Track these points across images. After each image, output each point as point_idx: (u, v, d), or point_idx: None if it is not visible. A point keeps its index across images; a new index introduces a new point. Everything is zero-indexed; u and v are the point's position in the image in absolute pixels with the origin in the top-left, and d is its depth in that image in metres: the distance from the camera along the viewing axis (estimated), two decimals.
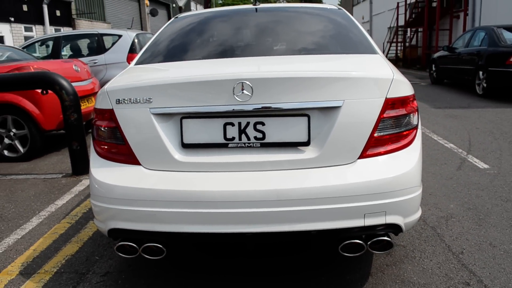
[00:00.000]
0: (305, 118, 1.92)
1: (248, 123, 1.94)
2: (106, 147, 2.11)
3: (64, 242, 2.85)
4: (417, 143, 2.05)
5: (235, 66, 2.22)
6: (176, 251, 2.63)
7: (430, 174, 3.87)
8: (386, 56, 14.34)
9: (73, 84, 5.49)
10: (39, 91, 4.45)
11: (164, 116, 2.00)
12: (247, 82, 1.88)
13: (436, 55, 10.27)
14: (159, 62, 2.54)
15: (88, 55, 7.89)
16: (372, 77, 1.95)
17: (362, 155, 1.93)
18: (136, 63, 2.58)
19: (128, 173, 2.04)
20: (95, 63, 7.51)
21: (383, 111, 1.93)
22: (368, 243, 1.93)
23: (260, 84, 1.90)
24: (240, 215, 1.88)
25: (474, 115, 6.41)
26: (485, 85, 7.85)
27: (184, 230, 1.94)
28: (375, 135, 1.93)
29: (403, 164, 1.93)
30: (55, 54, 7.93)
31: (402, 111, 1.99)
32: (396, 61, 16.63)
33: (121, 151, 2.07)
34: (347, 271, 2.34)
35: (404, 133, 2.00)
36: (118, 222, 2.01)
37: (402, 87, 2.01)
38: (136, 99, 2.01)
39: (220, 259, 2.53)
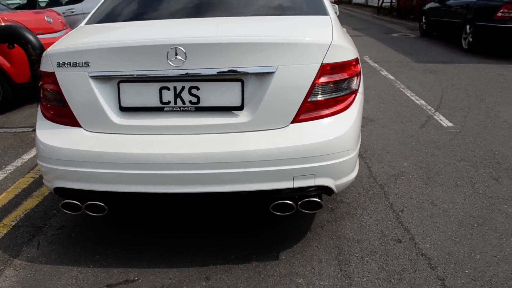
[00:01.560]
0: (239, 83, 1.94)
1: (183, 88, 1.97)
2: (50, 109, 2.15)
3: (25, 196, 2.95)
4: (354, 108, 2.08)
5: (171, 30, 2.18)
6: (123, 209, 2.74)
7: (392, 131, 3.93)
8: (381, 6, 13.95)
9: (46, 36, 5.41)
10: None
11: (102, 79, 2.02)
12: (181, 48, 1.90)
13: (427, 6, 9.97)
14: (107, 22, 2.51)
15: (66, 3, 7.66)
16: (308, 43, 1.94)
17: (295, 120, 1.97)
18: (86, 23, 2.56)
19: (70, 135, 2.09)
20: (72, 12, 7.31)
21: (318, 76, 1.95)
22: (298, 203, 2.02)
23: (193, 50, 1.91)
24: (173, 176, 1.95)
25: (453, 71, 6.36)
26: (471, 39, 7.71)
27: (121, 190, 2.02)
28: (309, 100, 1.96)
29: (335, 129, 1.98)
30: (31, 3, 7.69)
31: (339, 77, 2.00)
32: (390, 11, 16.16)
33: (63, 114, 2.11)
34: (285, 228, 2.46)
35: (340, 98, 2.03)
36: (62, 181, 2.09)
37: (342, 52, 2.01)
38: (75, 62, 2.02)
39: (159, 216, 2.64)
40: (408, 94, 5.15)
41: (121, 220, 2.62)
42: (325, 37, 2.00)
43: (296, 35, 2.00)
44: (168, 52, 1.91)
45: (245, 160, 1.91)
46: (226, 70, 1.92)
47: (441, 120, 4.22)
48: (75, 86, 2.04)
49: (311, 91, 1.95)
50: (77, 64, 2.02)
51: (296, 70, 1.93)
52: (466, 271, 2.09)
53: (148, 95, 2.00)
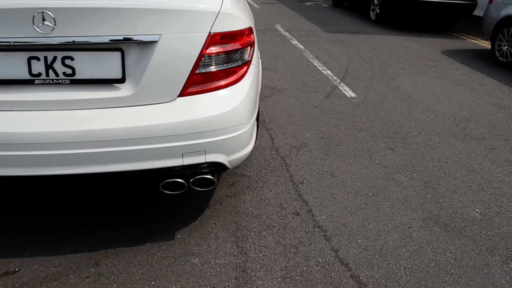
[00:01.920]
0: (119, 53, 1.73)
1: (55, 58, 1.71)
2: None
3: None
4: (247, 81, 1.99)
5: None
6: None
7: (298, 102, 3.96)
8: None
9: None
10: None
11: None
12: (48, 12, 1.63)
13: None
14: None
15: None
16: (193, 10, 1.77)
17: (182, 93, 1.83)
18: None
19: None
20: None
21: (205, 46, 1.80)
22: (190, 181, 1.92)
23: (63, 15, 1.64)
24: (45, 157, 1.72)
25: (360, 41, 6.58)
26: (378, 11, 8.02)
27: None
28: (196, 72, 1.82)
29: (226, 102, 1.87)
30: None
31: (229, 47, 1.88)
32: None
33: None
34: (183, 206, 2.35)
35: (231, 69, 1.92)
36: None
37: (232, 20, 1.88)
38: None
39: (40, 200, 2.39)
40: (315, 64, 5.22)
41: (3, 206, 2.33)
42: (213, 4, 1.85)
43: (182, 1, 1.82)
44: (34, 17, 1.63)
45: (127, 138, 1.73)
46: (102, 38, 1.70)
47: (345, 90, 4.33)
48: None
49: (199, 62, 1.81)
50: None
51: (181, 39, 1.76)
52: (359, 241, 2.17)
53: (15, 66, 1.71)
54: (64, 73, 1.74)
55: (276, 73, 4.80)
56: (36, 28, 1.65)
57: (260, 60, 2.57)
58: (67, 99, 1.75)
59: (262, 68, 4.99)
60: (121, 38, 1.71)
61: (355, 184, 2.65)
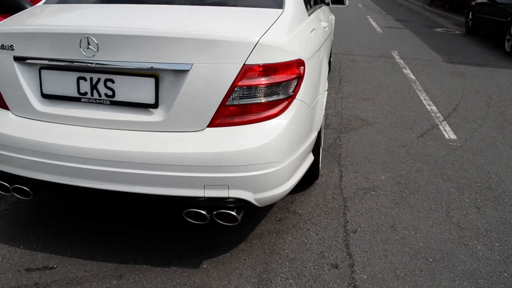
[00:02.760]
0: (152, 79, 1.79)
1: (99, 79, 1.85)
2: None
3: None
4: (286, 117, 1.87)
5: (87, 18, 2.03)
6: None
7: (385, 138, 3.62)
8: None
9: None
10: None
11: (25, 64, 1.95)
12: (92, 38, 1.77)
13: (475, 1, 9.17)
14: (64, 3, 2.41)
15: None
16: (227, 40, 1.74)
17: (212, 124, 1.80)
18: (45, 2, 2.48)
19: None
20: None
21: (238, 78, 1.75)
22: (214, 213, 1.87)
23: (105, 40, 1.77)
24: (82, 170, 1.85)
25: (484, 75, 5.81)
26: None
27: (38, 178, 1.95)
28: (227, 103, 1.78)
29: (255, 138, 1.78)
30: None
31: (267, 80, 1.79)
32: (443, 3, 15.10)
33: None
34: (222, 234, 2.31)
35: (267, 103, 1.82)
36: None
37: (273, 52, 1.80)
38: (2, 45, 1.96)
39: (98, 206, 2.56)
40: (421, 98, 4.75)
41: (70, 205, 2.58)
42: (253, 34, 1.78)
43: (218, 30, 1.79)
44: (81, 41, 1.79)
45: (151, 162, 1.76)
46: (137, 64, 1.77)
47: (445, 130, 3.84)
48: (2, 69, 1.98)
49: (230, 94, 1.76)
50: (4, 47, 1.96)
51: (213, 69, 1.74)
52: None
53: (66, 84, 1.90)
54: (106, 94, 1.86)
55: (373, 104, 4.50)
56: (82, 52, 1.79)
57: (322, 94, 2.41)
58: (106, 118, 1.86)
59: (359, 97, 4.73)
60: (154, 65, 1.76)
61: (416, 243, 2.30)
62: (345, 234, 2.35)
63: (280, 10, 2.13)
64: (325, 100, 2.47)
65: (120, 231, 2.33)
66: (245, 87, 1.77)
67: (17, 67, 1.95)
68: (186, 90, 1.76)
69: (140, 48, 1.75)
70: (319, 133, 2.47)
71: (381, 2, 18.95)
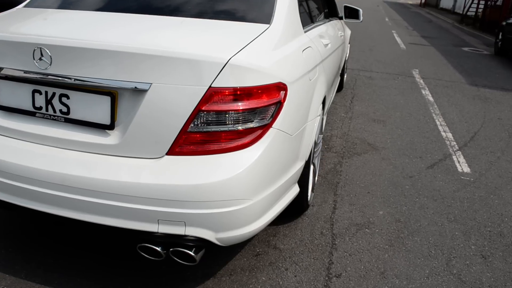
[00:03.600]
0: (108, 98, 1.59)
1: (54, 94, 1.67)
2: None
3: None
4: (258, 149, 1.64)
5: (43, 27, 1.83)
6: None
7: (390, 167, 3.34)
8: (465, 14, 12.56)
9: None
10: None
11: None
12: (45, 49, 1.59)
13: (506, 21, 8.71)
14: (40, 7, 2.24)
15: None
16: (191, 59, 1.52)
17: (172, 151, 1.59)
18: (24, 5, 2.33)
19: None
20: None
21: (203, 102, 1.54)
22: (170, 250, 1.65)
23: (58, 52, 1.59)
24: (29, 192, 1.66)
25: (509, 102, 5.42)
26: None
27: None
28: (189, 130, 1.56)
29: (219, 171, 1.56)
30: None
31: (237, 106, 1.57)
32: (474, 21, 14.55)
33: None
34: (191, 267, 2.08)
35: (237, 132, 1.60)
36: None
37: (245, 74, 1.57)
38: None
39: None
40: (437, 122, 4.43)
41: (38, 222, 2.41)
42: (223, 53, 1.57)
43: (184, 47, 1.57)
44: (34, 51, 1.61)
45: (101, 190, 1.56)
46: (91, 79, 1.58)
47: (459, 162, 3.53)
48: None
49: (192, 120, 1.55)
50: None
51: (174, 91, 1.53)
52: None
53: (22, 96, 1.72)
54: (60, 111, 1.67)
55: (383, 127, 4.21)
56: (35, 63, 1.61)
57: (313, 120, 2.17)
58: (60, 137, 1.68)
59: (369, 118, 4.45)
60: (110, 82, 1.56)
61: None
62: (327, 278, 2.09)
63: (266, 26, 1.91)
64: (316, 125, 2.23)
65: (82, 255, 2.14)
66: (210, 112, 1.55)
67: None
68: (143, 112, 1.56)
69: (96, 62, 1.56)
70: (307, 162, 2.23)
71: (409, 17, 18.49)
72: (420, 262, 2.26)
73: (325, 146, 3.68)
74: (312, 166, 2.60)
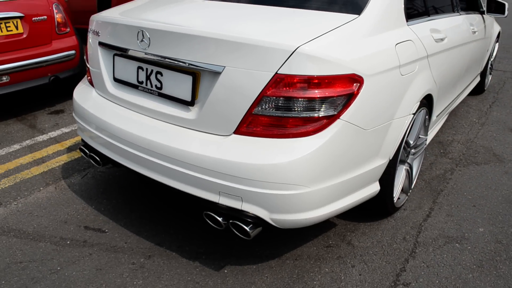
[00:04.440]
0: (190, 77, 1.80)
1: (152, 71, 1.95)
2: (87, 68, 2.44)
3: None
4: (322, 137, 1.66)
5: (147, 13, 2.11)
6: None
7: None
8: None
9: None
10: None
11: (104, 50, 2.19)
12: (145, 31, 1.87)
13: None
14: None
15: None
16: (261, 45, 1.61)
17: (238, 131, 1.72)
18: None
19: (85, 93, 2.36)
20: None
21: (269, 87, 1.62)
22: (230, 221, 1.80)
23: (155, 35, 1.87)
24: (123, 150, 2.00)
25: None
26: None
27: (100, 150, 2.18)
28: (254, 112, 1.66)
29: (277, 154, 1.63)
30: None
31: (302, 93, 1.62)
32: None
33: (88, 74, 2.38)
34: (262, 244, 2.20)
35: (299, 119, 1.64)
36: (79, 130, 2.39)
37: (312, 63, 1.60)
38: (94, 30, 2.24)
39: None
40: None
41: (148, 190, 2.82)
42: (292, 41, 1.61)
43: (256, 34, 1.66)
44: (138, 34, 1.90)
45: (175, 158, 1.79)
46: (181, 61, 1.79)
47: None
48: (91, 51, 2.28)
49: (258, 103, 1.64)
50: (95, 32, 2.23)
51: (244, 75, 1.64)
52: None
53: (130, 72, 2.06)
54: (156, 86, 1.94)
55: None
56: (138, 43, 1.90)
57: (403, 118, 2.04)
58: (153, 109, 1.96)
59: (506, 127, 3.90)
60: (193, 63, 1.76)
61: None
62: (393, 284, 2.00)
63: (354, 16, 1.87)
64: (407, 123, 2.10)
65: (176, 215, 2.45)
66: (275, 97, 1.63)
67: (100, 51, 2.19)
68: (216, 92, 1.72)
69: (182, 45, 1.78)
70: (393, 161, 2.12)
71: None
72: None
73: (441, 151, 3.38)
74: (404, 167, 2.46)
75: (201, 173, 1.73)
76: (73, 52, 4.10)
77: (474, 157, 3.29)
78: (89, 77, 2.38)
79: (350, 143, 1.76)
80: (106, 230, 2.32)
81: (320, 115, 1.65)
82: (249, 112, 1.67)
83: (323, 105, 1.64)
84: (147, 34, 1.86)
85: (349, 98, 1.69)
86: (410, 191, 2.66)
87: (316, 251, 2.20)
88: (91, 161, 2.34)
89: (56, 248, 2.19)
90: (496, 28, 4.50)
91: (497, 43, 4.85)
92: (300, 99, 1.62)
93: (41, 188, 2.73)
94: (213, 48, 1.70)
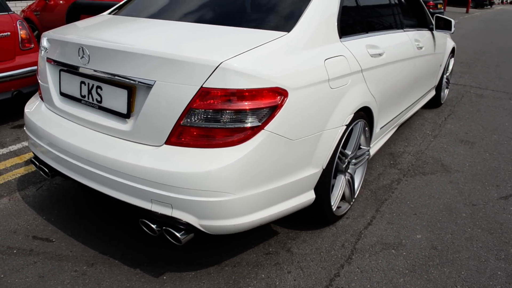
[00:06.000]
0: (125, 91, 1.90)
1: (93, 85, 2.05)
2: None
3: None
4: (245, 148, 1.76)
5: (87, 31, 2.22)
6: None
7: (456, 191, 3.04)
8: None
9: None
10: None
11: (51, 66, 2.29)
12: (85, 49, 1.98)
13: None
14: (111, 14, 2.71)
15: None
16: (187, 61, 1.73)
17: (169, 141, 1.82)
18: (109, 12, 2.82)
19: (35, 106, 2.44)
20: None
21: (194, 100, 1.73)
22: (163, 228, 1.88)
23: (93, 51, 1.97)
24: (66, 161, 2.08)
25: None
26: None
27: (47, 162, 2.25)
28: (182, 123, 1.77)
29: (204, 163, 1.73)
30: None
31: (226, 105, 1.73)
32: None
33: (39, 90, 2.46)
34: (203, 250, 2.28)
35: (225, 130, 1.75)
36: (29, 144, 2.46)
37: (236, 77, 1.71)
38: (43, 47, 2.35)
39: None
40: None
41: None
42: (217, 57, 1.72)
43: (185, 50, 1.79)
44: (78, 50, 2.00)
45: (111, 168, 1.87)
46: (115, 75, 1.91)
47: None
48: (41, 66, 2.37)
49: (185, 115, 1.75)
50: (44, 48, 2.33)
51: (172, 88, 1.75)
52: None
53: (74, 86, 2.16)
54: (96, 99, 2.04)
55: (469, 149, 3.82)
56: (79, 60, 2.00)
57: (334, 129, 2.16)
58: (94, 121, 2.04)
59: (457, 139, 4.07)
60: (128, 78, 1.86)
61: None
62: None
63: (283, 33, 2.00)
64: (339, 134, 2.21)
65: (122, 227, 2.51)
66: (201, 110, 1.73)
67: (47, 67, 2.28)
68: (148, 105, 1.82)
69: (118, 60, 1.88)
70: (327, 171, 2.23)
71: None
72: None
73: (391, 162, 3.52)
74: (344, 177, 2.57)
75: (135, 181, 1.82)
76: (36, 67, 4.16)
77: (422, 168, 3.43)
78: (39, 92, 2.46)
79: (277, 152, 1.86)
80: (54, 240, 2.37)
81: (245, 126, 1.75)
82: (177, 124, 1.77)
83: (247, 117, 1.75)
84: (87, 51, 1.96)
85: (273, 110, 1.80)
86: (353, 200, 2.77)
87: (255, 258, 2.28)
88: (41, 172, 2.40)
89: (2, 256, 2.23)
90: (450, 44, 4.72)
91: (452, 58, 5.07)
92: (224, 111, 1.73)
93: None
94: (145, 63, 1.81)
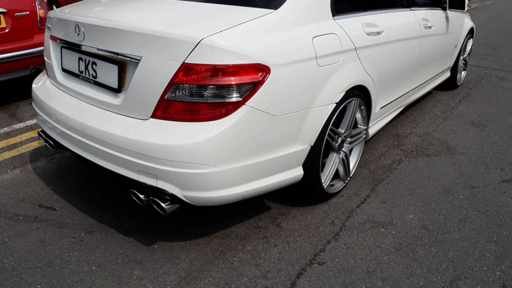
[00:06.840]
0: (116, 67, 1.98)
1: (89, 61, 2.14)
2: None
3: None
4: (226, 122, 1.82)
5: (84, 9, 2.29)
6: None
7: (457, 173, 3.00)
8: None
9: None
10: None
11: (54, 43, 2.39)
12: (80, 26, 2.06)
13: None
14: None
15: None
16: (170, 37, 1.78)
17: (154, 115, 1.90)
18: None
19: (41, 81, 2.56)
20: None
21: (177, 76, 1.78)
22: (150, 198, 1.97)
23: (87, 28, 2.06)
24: (66, 134, 2.20)
25: None
26: None
27: (50, 134, 2.38)
28: (166, 98, 1.84)
29: (184, 136, 1.80)
30: None
31: (207, 81, 1.78)
32: None
33: (45, 67, 2.58)
34: (196, 222, 2.37)
35: (206, 104, 1.81)
36: (37, 118, 2.60)
37: (217, 53, 1.76)
38: (47, 25, 2.45)
39: None
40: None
41: None
42: (199, 33, 1.77)
43: (169, 27, 1.85)
44: (75, 28, 2.09)
45: (102, 139, 1.97)
46: (107, 51, 1.98)
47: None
48: (46, 44, 2.48)
49: (168, 89, 1.81)
50: (48, 27, 2.45)
51: (156, 64, 1.82)
52: None
53: (73, 62, 2.25)
54: (92, 75, 2.13)
55: (479, 132, 3.73)
56: (76, 37, 2.09)
57: (324, 106, 2.17)
58: (90, 95, 2.14)
59: (468, 121, 3.98)
60: (119, 54, 1.94)
61: None
62: (308, 263, 2.14)
63: (270, 11, 2.02)
64: (328, 112, 2.23)
65: (122, 198, 2.63)
66: (183, 84, 1.79)
67: (51, 44, 2.39)
68: (136, 80, 1.89)
69: (110, 37, 1.97)
70: (316, 148, 2.26)
71: None
72: (419, 273, 2.10)
73: (395, 143, 3.49)
74: (337, 155, 2.59)
75: (124, 153, 1.91)
76: None
77: (426, 149, 3.39)
78: (45, 69, 2.58)
79: (259, 127, 1.91)
80: (57, 208, 2.52)
81: (226, 101, 1.80)
82: (162, 98, 1.84)
83: (229, 92, 1.80)
84: (82, 28, 2.05)
85: (255, 86, 1.84)
86: (348, 179, 2.79)
87: (244, 231, 2.36)
88: (47, 145, 2.55)
89: (9, 222, 2.40)
90: (467, 25, 4.56)
91: (471, 39, 4.90)
92: (207, 86, 1.78)
93: (8, 171, 2.95)
94: (133, 40, 1.88)
